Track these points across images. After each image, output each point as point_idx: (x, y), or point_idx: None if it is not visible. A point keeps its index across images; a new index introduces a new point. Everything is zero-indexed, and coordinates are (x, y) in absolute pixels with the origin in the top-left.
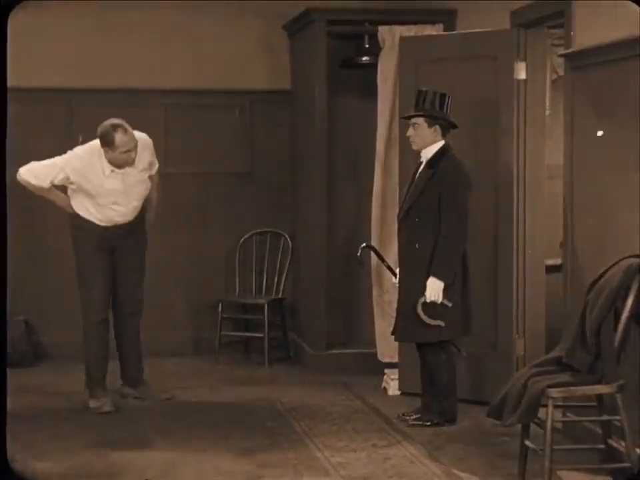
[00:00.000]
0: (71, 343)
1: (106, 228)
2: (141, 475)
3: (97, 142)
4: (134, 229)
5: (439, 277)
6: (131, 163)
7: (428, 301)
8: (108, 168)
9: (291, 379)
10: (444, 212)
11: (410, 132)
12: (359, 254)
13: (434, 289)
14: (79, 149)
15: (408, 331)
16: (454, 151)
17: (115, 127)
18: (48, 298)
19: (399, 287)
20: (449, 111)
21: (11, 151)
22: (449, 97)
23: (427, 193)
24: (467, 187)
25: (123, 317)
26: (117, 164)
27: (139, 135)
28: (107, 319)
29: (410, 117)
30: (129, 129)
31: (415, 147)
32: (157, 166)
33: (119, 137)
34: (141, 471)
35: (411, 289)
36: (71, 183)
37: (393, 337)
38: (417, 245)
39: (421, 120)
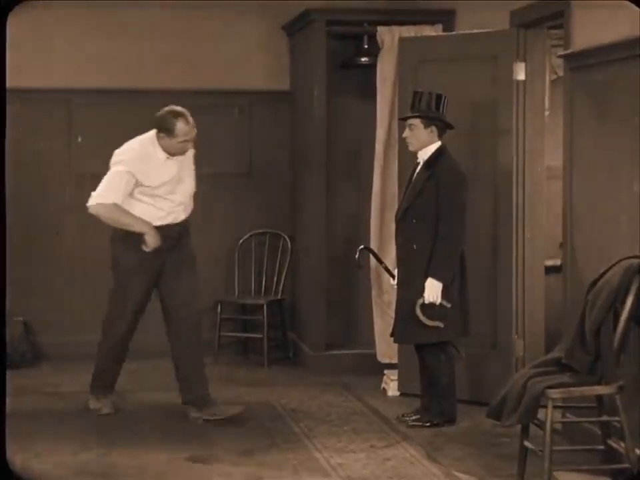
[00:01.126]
0: (70, 343)
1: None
2: (140, 475)
3: (148, 133)
4: (182, 238)
5: (438, 278)
6: (183, 153)
7: (427, 302)
8: (163, 154)
9: (290, 380)
10: (442, 213)
11: (406, 133)
12: (356, 256)
13: (432, 290)
14: (129, 145)
15: (407, 332)
16: (450, 152)
17: (176, 115)
18: (48, 298)
19: (397, 288)
20: (444, 111)
21: (10, 151)
22: (444, 98)
23: (425, 193)
24: (465, 187)
25: (181, 335)
26: (171, 152)
27: None
28: (135, 327)
29: (406, 118)
30: (191, 118)
31: (411, 148)
32: None
33: (180, 125)
34: (141, 471)
35: (410, 290)
36: (135, 185)
37: (392, 338)
38: (414, 246)
39: (417, 121)
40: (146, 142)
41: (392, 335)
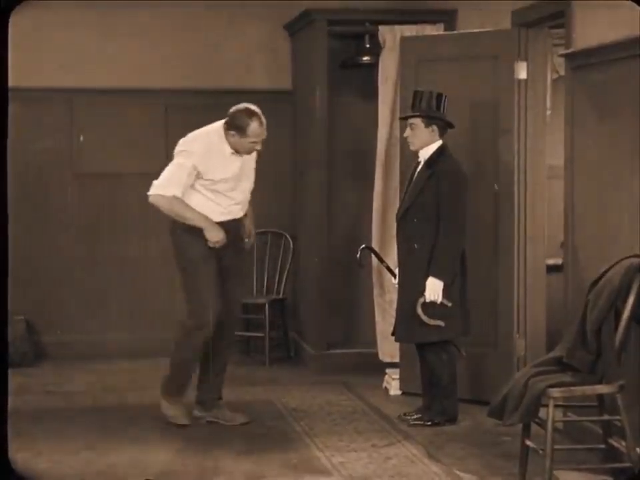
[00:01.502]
0: (72, 343)
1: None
2: (141, 475)
3: (216, 124)
4: (236, 235)
5: (439, 277)
6: (250, 153)
7: (427, 300)
8: (229, 150)
9: (291, 379)
10: (443, 212)
11: (407, 132)
12: (358, 256)
13: (433, 289)
14: (194, 135)
15: (408, 331)
16: (451, 151)
17: (251, 114)
18: (48, 298)
19: (398, 287)
20: (445, 110)
21: (12, 151)
22: (444, 97)
23: (426, 192)
24: (465, 186)
25: (219, 336)
26: (239, 150)
27: None
28: (208, 325)
29: (407, 118)
30: (264, 119)
31: (412, 148)
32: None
33: (254, 126)
34: (141, 471)
35: (411, 289)
36: (197, 176)
37: (394, 337)
38: (415, 245)
39: (417, 120)
40: (213, 134)
41: (393, 334)
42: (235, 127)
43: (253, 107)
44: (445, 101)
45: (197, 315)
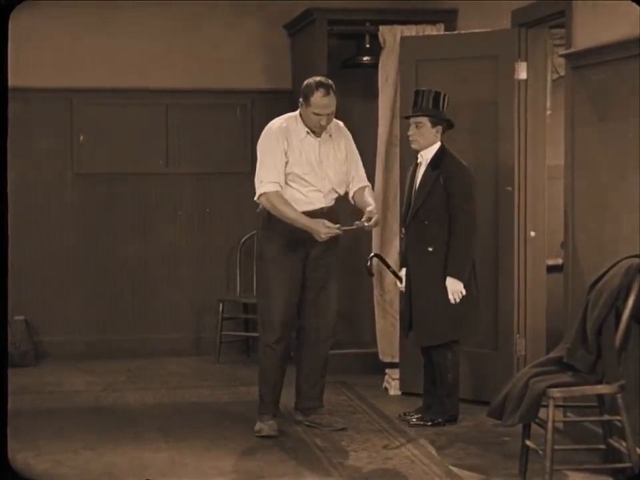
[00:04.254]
0: (71, 343)
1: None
2: (141, 475)
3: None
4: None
5: (457, 277)
6: (321, 128)
7: (453, 301)
8: (304, 129)
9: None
10: (454, 212)
11: (412, 131)
12: (368, 264)
13: (455, 289)
14: (272, 121)
15: (429, 334)
16: (451, 151)
17: (318, 85)
18: (48, 298)
19: (414, 293)
20: (446, 110)
21: (12, 151)
22: (446, 97)
23: (435, 194)
24: (474, 186)
25: (309, 344)
26: (308, 124)
27: (338, 121)
28: (285, 337)
29: (414, 116)
30: (333, 94)
31: (415, 146)
32: (365, 179)
33: (317, 96)
34: (141, 471)
35: (430, 292)
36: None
37: (404, 338)
38: (429, 248)
39: (425, 119)
40: (292, 114)
41: (406, 336)
42: (302, 94)
43: (324, 79)
44: (446, 101)
45: (267, 327)
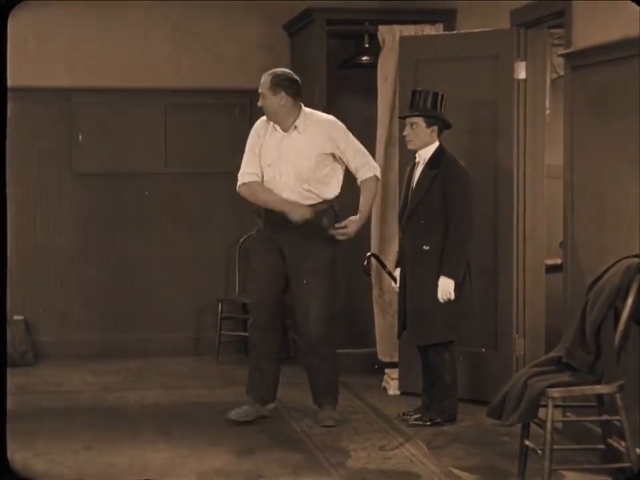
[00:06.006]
0: (70, 343)
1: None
2: (141, 475)
3: None
4: (306, 231)
5: (450, 276)
6: (268, 116)
7: (442, 301)
8: (272, 124)
9: (290, 379)
10: (451, 212)
11: (407, 131)
12: (365, 263)
13: (446, 289)
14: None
15: (423, 333)
16: (450, 151)
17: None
18: (47, 298)
19: (410, 291)
20: (443, 110)
21: (11, 150)
22: (444, 97)
23: (432, 193)
24: (472, 186)
25: (303, 347)
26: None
27: (325, 117)
28: (262, 324)
29: (408, 117)
30: (268, 75)
31: (411, 147)
32: (372, 168)
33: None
34: (141, 470)
35: (425, 291)
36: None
37: (400, 339)
38: (425, 247)
39: (419, 120)
40: None
41: (399, 336)
42: None
43: (280, 69)
44: (444, 101)
45: (251, 311)
